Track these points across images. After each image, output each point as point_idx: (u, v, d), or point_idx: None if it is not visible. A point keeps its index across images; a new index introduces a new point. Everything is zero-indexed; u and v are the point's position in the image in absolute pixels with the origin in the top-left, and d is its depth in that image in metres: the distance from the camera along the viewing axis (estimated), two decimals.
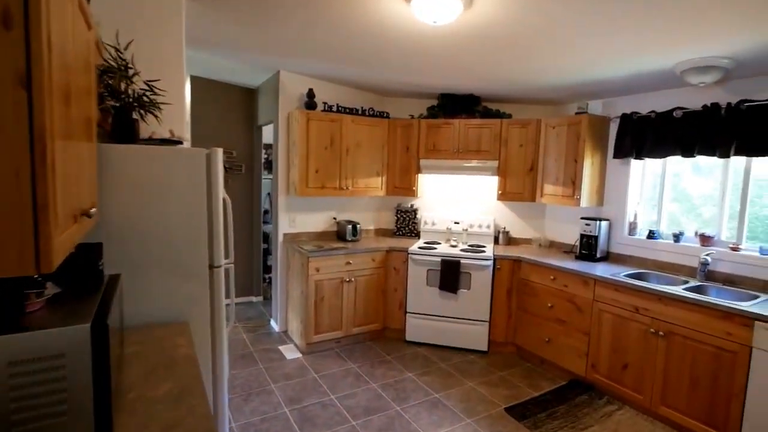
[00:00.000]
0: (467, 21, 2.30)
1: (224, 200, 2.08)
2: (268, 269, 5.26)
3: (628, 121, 3.51)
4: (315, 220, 4.31)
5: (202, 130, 4.58)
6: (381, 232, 4.70)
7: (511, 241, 4.39)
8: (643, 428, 2.74)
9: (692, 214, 3.37)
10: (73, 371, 0.97)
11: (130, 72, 1.85)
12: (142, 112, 1.89)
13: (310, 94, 3.95)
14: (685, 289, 2.80)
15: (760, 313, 2.31)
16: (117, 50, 1.87)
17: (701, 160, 3.19)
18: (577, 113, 3.69)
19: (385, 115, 4.34)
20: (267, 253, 5.26)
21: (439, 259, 3.84)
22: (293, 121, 3.89)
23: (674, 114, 3.17)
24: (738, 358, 2.39)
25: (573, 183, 3.67)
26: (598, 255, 3.63)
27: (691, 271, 3.14)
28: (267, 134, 4.93)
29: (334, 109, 4.07)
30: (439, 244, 4.24)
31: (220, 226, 1.99)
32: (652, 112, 3.33)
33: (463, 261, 3.79)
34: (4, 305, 1.02)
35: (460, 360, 3.71)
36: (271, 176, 4.93)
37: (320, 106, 4.04)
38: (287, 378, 3.29)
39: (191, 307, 1.90)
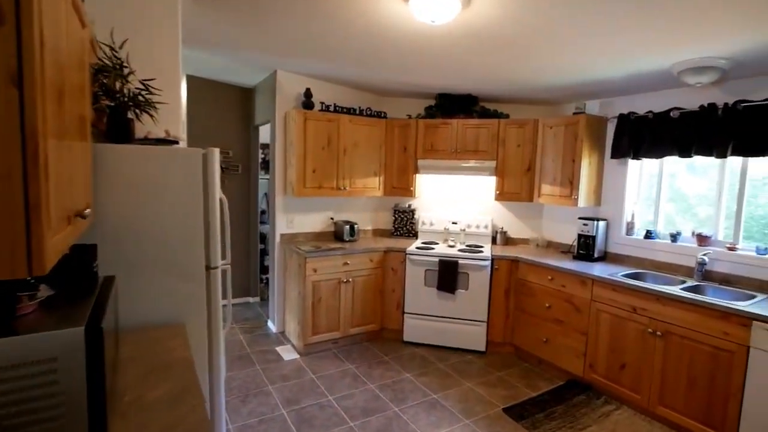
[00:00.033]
0: (465, 20, 2.29)
1: (221, 201, 2.06)
2: (265, 270, 5.24)
3: (625, 121, 3.51)
4: (312, 221, 4.29)
5: (198, 129, 4.55)
6: (379, 233, 4.68)
7: (508, 241, 4.39)
8: (640, 428, 2.74)
9: (688, 214, 3.38)
10: (66, 375, 0.95)
11: (125, 71, 1.83)
12: (137, 111, 1.87)
13: (308, 93, 3.94)
14: (683, 289, 2.81)
15: (758, 312, 2.32)
16: (112, 49, 1.84)
17: (697, 160, 3.20)
18: (574, 113, 3.69)
19: (382, 115, 4.33)
20: (264, 253, 5.24)
21: (436, 259, 3.84)
22: (290, 120, 3.87)
23: (671, 114, 3.18)
24: (735, 358, 2.39)
25: (570, 183, 3.67)
26: (596, 255, 3.64)
27: (688, 271, 3.15)
28: (264, 134, 4.91)
29: (332, 108, 4.05)
30: (437, 244, 4.23)
31: (217, 226, 1.97)
32: (650, 112, 3.34)
33: (460, 261, 3.78)
34: None
35: (458, 360, 3.70)
36: (268, 176, 4.91)
37: (318, 106, 4.02)
38: (285, 379, 3.27)
39: (187, 308, 1.88)
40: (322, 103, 4.04)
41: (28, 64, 0.75)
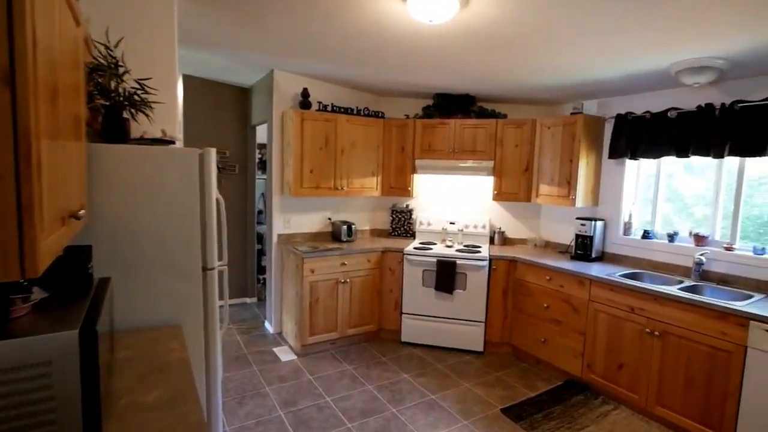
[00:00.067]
0: (463, 20, 2.28)
1: (217, 201, 2.04)
2: (262, 270, 5.22)
3: (623, 121, 3.51)
4: (310, 221, 4.27)
5: (194, 129, 4.52)
6: (376, 233, 4.67)
7: (506, 241, 4.39)
8: (638, 428, 2.74)
9: (684, 214, 3.39)
10: (60, 379, 0.93)
11: (121, 70, 1.81)
12: (133, 111, 1.85)
13: (305, 93, 3.92)
14: (680, 289, 2.81)
15: (755, 312, 2.32)
16: (107, 48, 1.82)
17: (693, 159, 3.21)
18: (572, 113, 3.69)
19: (380, 114, 4.32)
20: (261, 254, 5.22)
21: (434, 259, 3.83)
22: (287, 120, 3.86)
23: (669, 114, 3.18)
24: (733, 358, 2.40)
25: (568, 183, 3.67)
26: (594, 255, 3.64)
27: (685, 271, 3.15)
28: (261, 134, 4.88)
29: (329, 108, 4.04)
30: (435, 244, 4.22)
31: (214, 227, 1.95)
32: (647, 112, 3.34)
33: (458, 261, 3.78)
34: None
35: (456, 361, 3.69)
36: (265, 176, 4.90)
37: (315, 106, 4.01)
38: (282, 380, 3.26)
39: (184, 309, 1.87)
40: (320, 102, 4.03)
41: (20, 63, 0.74)
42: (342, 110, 4.08)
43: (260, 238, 5.17)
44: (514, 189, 4.05)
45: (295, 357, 3.67)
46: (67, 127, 1.13)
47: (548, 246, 4.26)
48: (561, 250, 4.07)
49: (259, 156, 5.15)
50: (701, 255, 3.01)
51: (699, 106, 3.02)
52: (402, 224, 4.57)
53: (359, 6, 2.21)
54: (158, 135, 2.02)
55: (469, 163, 4.07)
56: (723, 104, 2.88)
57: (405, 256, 3.92)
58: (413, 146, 4.20)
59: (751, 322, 2.32)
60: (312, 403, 2.94)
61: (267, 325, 4.36)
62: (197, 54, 3.52)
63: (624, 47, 2.50)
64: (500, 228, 4.38)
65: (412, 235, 4.55)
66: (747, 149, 2.75)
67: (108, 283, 1.32)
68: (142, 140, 1.92)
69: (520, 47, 2.66)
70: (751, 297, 2.62)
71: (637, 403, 2.88)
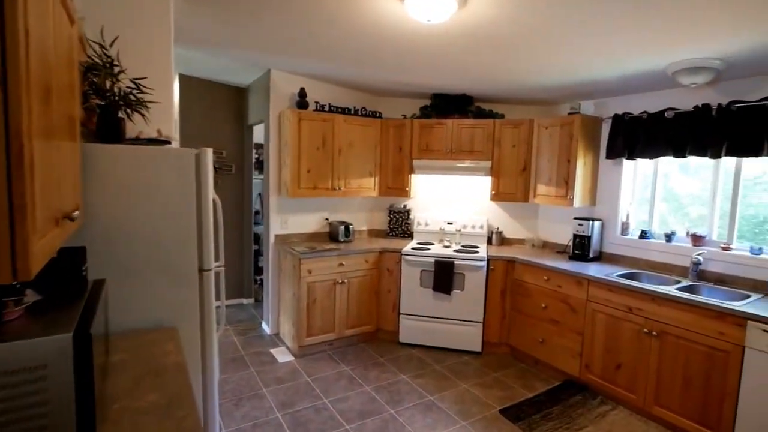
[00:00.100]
0: (461, 20, 2.27)
1: (214, 201, 2.03)
2: (259, 271, 5.19)
3: (620, 121, 3.52)
4: (307, 221, 4.26)
5: (190, 129, 4.50)
6: (374, 233, 4.66)
7: (504, 241, 4.39)
8: (636, 428, 2.74)
9: (679, 214, 3.40)
10: (54, 383, 0.92)
11: (116, 69, 1.79)
12: (128, 110, 1.83)
13: (302, 93, 3.90)
14: (678, 289, 2.81)
15: (753, 312, 2.32)
16: (102, 47, 1.80)
17: (690, 160, 3.21)
18: (569, 113, 3.70)
19: (377, 114, 4.31)
20: (258, 254, 5.19)
21: (432, 259, 3.82)
22: (285, 120, 3.84)
23: (666, 115, 3.19)
24: (731, 358, 2.40)
25: (566, 183, 3.67)
26: (591, 255, 3.64)
27: (683, 271, 3.16)
28: (258, 134, 4.86)
29: (326, 108, 4.03)
30: (433, 244, 4.21)
31: (210, 228, 1.94)
32: (644, 112, 3.34)
33: (456, 262, 3.77)
34: None
35: (454, 361, 3.69)
36: (261, 176, 4.86)
37: (312, 106, 3.99)
38: (279, 382, 3.24)
39: (180, 311, 1.85)
40: (317, 102, 4.01)
41: (12, 61, 0.73)
42: (339, 110, 4.07)
43: (257, 239, 5.14)
44: (511, 189, 4.04)
45: (292, 358, 3.65)
46: (62, 127, 1.11)
47: (546, 246, 4.26)
48: (559, 250, 4.07)
49: (256, 156, 5.12)
50: (698, 255, 3.01)
51: (696, 107, 3.02)
52: (400, 224, 4.56)
53: (357, 5, 2.20)
54: (154, 135, 2.00)
55: (467, 164, 4.06)
56: (720, 104, 2.89)
57: (403, 256, 3.91)
58: (411, 146, 4.19)
59: (749, 322, 2.32)
60: (309, 405, 2.92)
61: (264, 326, 4.34)
62: (193, 53, 3.50)
63: (622, 47, 2.50)
64: (498, 228, 4.38)
65: (410, 236, 4.54)
66: (744, 149, 2.76)
67: (103, 285, 1.30)
68: (137, 140, 1.90)
69: (519, 47, 2.66)
70: (748, 297, 2.62)
71: (635, 404, 2.89)
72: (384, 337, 4.09)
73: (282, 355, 3.70)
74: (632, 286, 2.88)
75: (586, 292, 3.18)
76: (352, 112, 4.16)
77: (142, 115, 1.88)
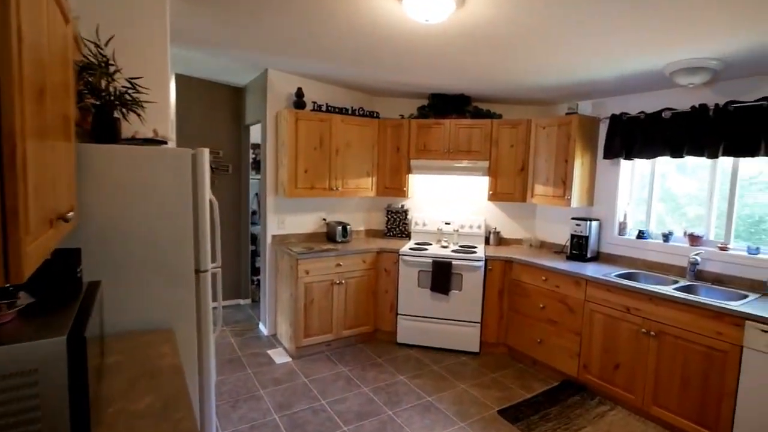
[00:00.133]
0: (459, 20, 2.27)
1: (211, 202, 2.01)
2: (256, 271, 5.17)
3: (617, 121, 3.52)
4: (304, 222, 4.24)
5: (187, 129, 4.47)
6: (371, 233, 4.65)
7: (501, 241, 4.39)
8: (635, 428, 2.74)
9: (677, 214, 3.40)
10: (47, 387, 0.90)
11: (111, 69, 1.77)
12: (124, 110, 1.82)
13: (299, 93, 3.89)
14: (676, 289, 2.82)
15: (751, 312, 2.33)
16: (97, 46, 1.79)
17: (687, 160, 3.22)
18: (567, 114, 3.70)
19: (375, 114, 4.30)
20: (255, 254, 5.17)
21: (430, 260, 3.81)
22: (282, 120, 3.82)
23: (663, 115, 3.19)
24: (729, 358, 2.40)
25: (563, 183, 3.67)
26: (589, 255, 3.64)
27: (680, 271, 3.16)
28: (255, 134, 4.85)
29: (324, 108, 4.01)
30: (430, 245, 4.21)
31: (207, 228, 1.92)
32: (642, 112, 3.35)
33: (454, 262, 3.77)
34: None
35: (452, 362, 3.68)
36: (259, 177, 4.85)
37: (309, 106, 3.98)
38: (276, 383, 3.22)
39: (176, 313, 1.84)
40: (314, 102, 4.00)
41: (4, 60, 0.71)
42: (336, 110, 4.06)
43: (254, 239, 5.12)
44: (509, 189, 4.04)
45: (289, 359, 3.64)
46: (56, 127, 1.10)
47: (544, 246, 4.26)
48: (556, 250, 4.07)
49: (253, 156, 5.10)
50: (696, 255, 3.02)
51: (693, 107, 3.03)
52: (397, 225, 4.55)
53: (355, 4, 2.19)
54: (150, 135, 1.98)
55: (465, 164, 4.06)
56: (717, 105, 2.89)
57: (400, 256, 3.90)
58: (408, 146, 4.18)
59: (747, 321, 2.33)
60: (307, 406, 2.91)
61: (261, 327, 4.32)
62: (190, 53, 3.48)
63: (620, 47, 2.50)
64: (496, 228, 4.38)
65: (408, 236, 4.54)
66: (741, 149, 2.76)
67: (98, 287, 1.29)
68: (133, 140, 1.89)
69: (516, 47, 2.65)
70: (746, 297, 2.63)
71: (633, 404, 2.89)
72: (382, 337, 4.08)
73: (279, 356, 3.69)
74: (630, 286, 2.88)
75: (583, 292, 3.18)
76: (350, 112, 4.15)
77: (138, 115, 1.87)
